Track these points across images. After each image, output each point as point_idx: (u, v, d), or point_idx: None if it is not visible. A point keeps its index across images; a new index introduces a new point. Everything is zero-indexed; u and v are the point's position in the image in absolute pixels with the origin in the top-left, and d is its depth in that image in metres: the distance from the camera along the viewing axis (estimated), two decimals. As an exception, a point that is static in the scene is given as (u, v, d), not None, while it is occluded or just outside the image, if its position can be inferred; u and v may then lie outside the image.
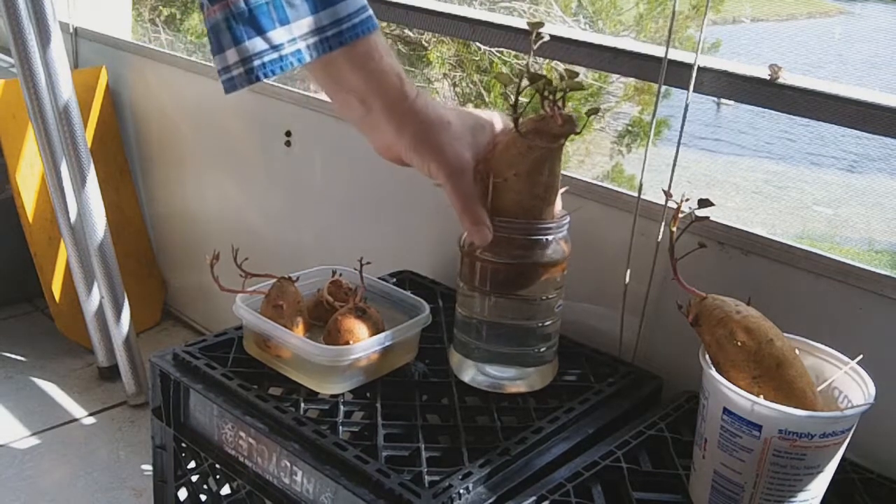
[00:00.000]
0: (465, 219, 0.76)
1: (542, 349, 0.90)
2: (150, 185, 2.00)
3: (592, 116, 1.17)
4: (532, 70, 0.73)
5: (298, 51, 0.66)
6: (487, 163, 0.78)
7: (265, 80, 0.66)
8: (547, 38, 0.76)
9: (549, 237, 0.82)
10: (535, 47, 0.75)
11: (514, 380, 0.92)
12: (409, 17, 1.32)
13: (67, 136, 1.62)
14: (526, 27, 0.78)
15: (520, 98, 0.74)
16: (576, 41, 1.09)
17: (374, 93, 0.71)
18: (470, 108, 0.79)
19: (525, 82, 0.73)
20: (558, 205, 0.84)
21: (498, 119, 0.81)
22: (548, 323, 0.88)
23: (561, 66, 0.86)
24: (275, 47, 0.65)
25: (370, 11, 0.69)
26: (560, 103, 0.74)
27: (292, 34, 0.65)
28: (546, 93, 0.74)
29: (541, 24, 0.75)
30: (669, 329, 1.07)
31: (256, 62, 0.65)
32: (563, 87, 0.74)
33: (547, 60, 0.75)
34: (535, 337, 0.89)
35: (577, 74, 0.73)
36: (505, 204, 0.79)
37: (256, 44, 0.65)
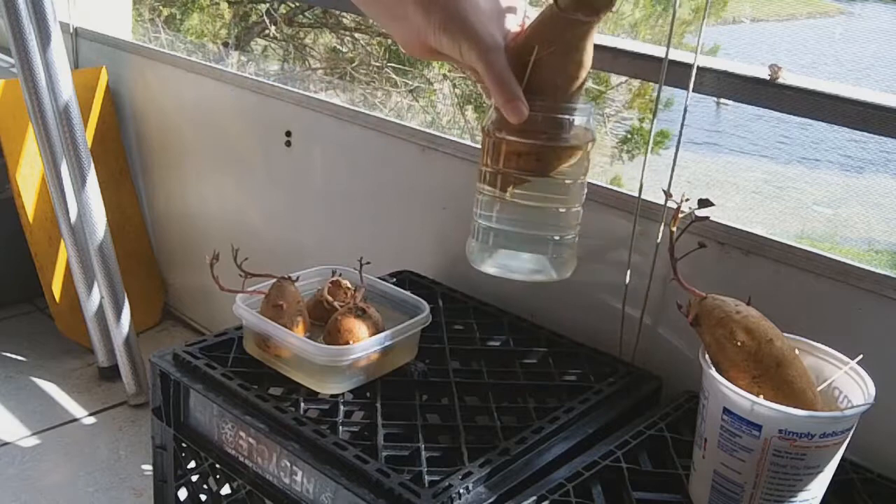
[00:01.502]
0: (501, 95, 0.74)
1: (569, 236, 0.87)
2: (150, 185, 2.00)
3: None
4: None
5: None
6: (518, 43, 0.77)
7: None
8: None
9: (581, 118, 0.81)
10: None
11: (536, 270, 0.88)
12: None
13: (67, 137, 1.62)
14: None
15: None
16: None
17: None
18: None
19: None
20: None
21: (523, 4, 0.81)
22: (574, 209, 0.86)
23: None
24: None
25: None
26: None
27: None
28: None
29: None
30: (669, 329, 1.07)
31: None
32: None
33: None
34: (560, 222, 0.85)
35: None
36: (539, 82, 0.77)
37: None
